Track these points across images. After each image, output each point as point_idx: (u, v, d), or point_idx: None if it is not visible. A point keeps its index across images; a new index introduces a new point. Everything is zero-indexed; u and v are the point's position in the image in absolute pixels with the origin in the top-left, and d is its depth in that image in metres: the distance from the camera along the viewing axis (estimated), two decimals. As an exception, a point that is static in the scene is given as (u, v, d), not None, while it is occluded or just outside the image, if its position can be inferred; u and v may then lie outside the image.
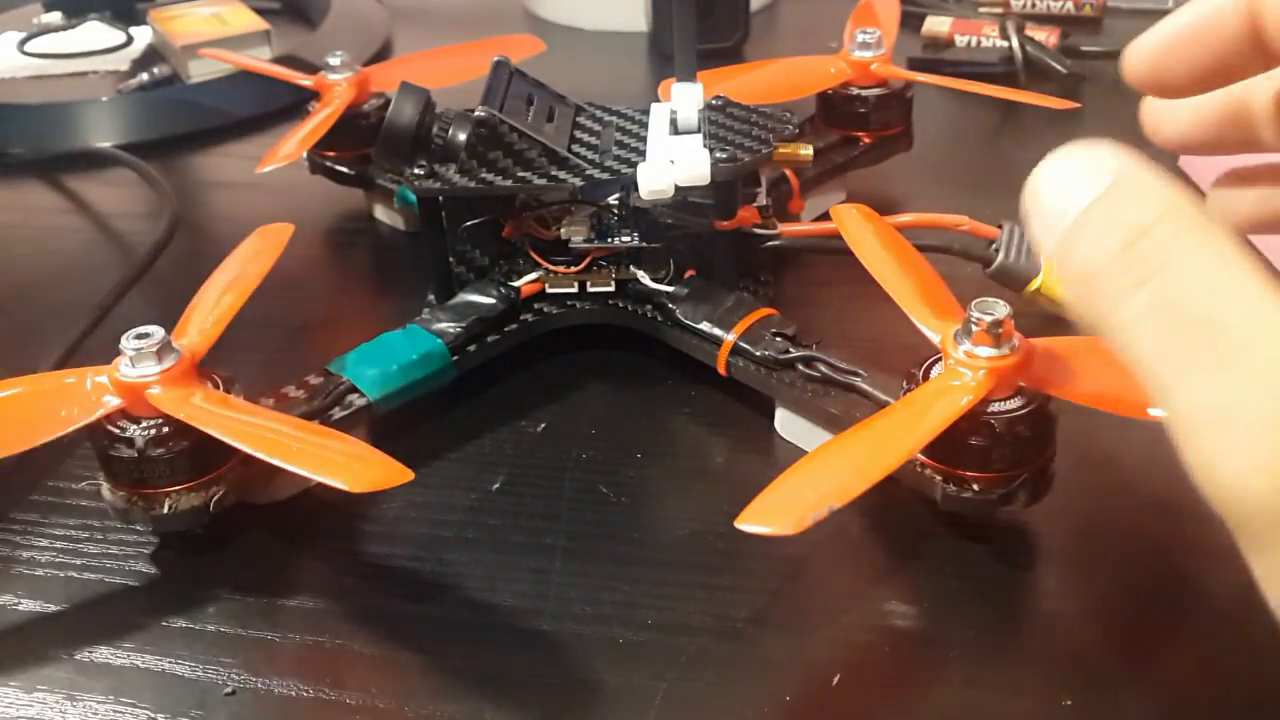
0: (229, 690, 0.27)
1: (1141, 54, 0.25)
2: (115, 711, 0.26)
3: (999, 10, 0.63)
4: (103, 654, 0.28)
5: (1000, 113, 0.53)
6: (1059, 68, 0.55)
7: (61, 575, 0.30)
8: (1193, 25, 0.24)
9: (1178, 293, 0.18)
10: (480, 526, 0.31)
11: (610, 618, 0.28)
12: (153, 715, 0.26)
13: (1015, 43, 0.56)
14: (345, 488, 0.25)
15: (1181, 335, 0.18)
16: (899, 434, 0.26)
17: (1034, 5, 0.63)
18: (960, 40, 0.59)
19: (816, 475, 0.26)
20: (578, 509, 0.31)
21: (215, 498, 0.29)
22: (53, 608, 0.29)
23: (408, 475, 0.26)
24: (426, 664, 0.27)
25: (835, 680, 0.26)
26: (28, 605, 0.29)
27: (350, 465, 0.26)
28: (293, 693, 0.27)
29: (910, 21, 0.58)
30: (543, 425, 0.35)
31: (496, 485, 0.32)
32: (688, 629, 0.28)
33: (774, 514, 0.25)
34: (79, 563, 0.30)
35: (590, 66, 0.53)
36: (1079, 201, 0.20)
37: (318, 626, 0.28)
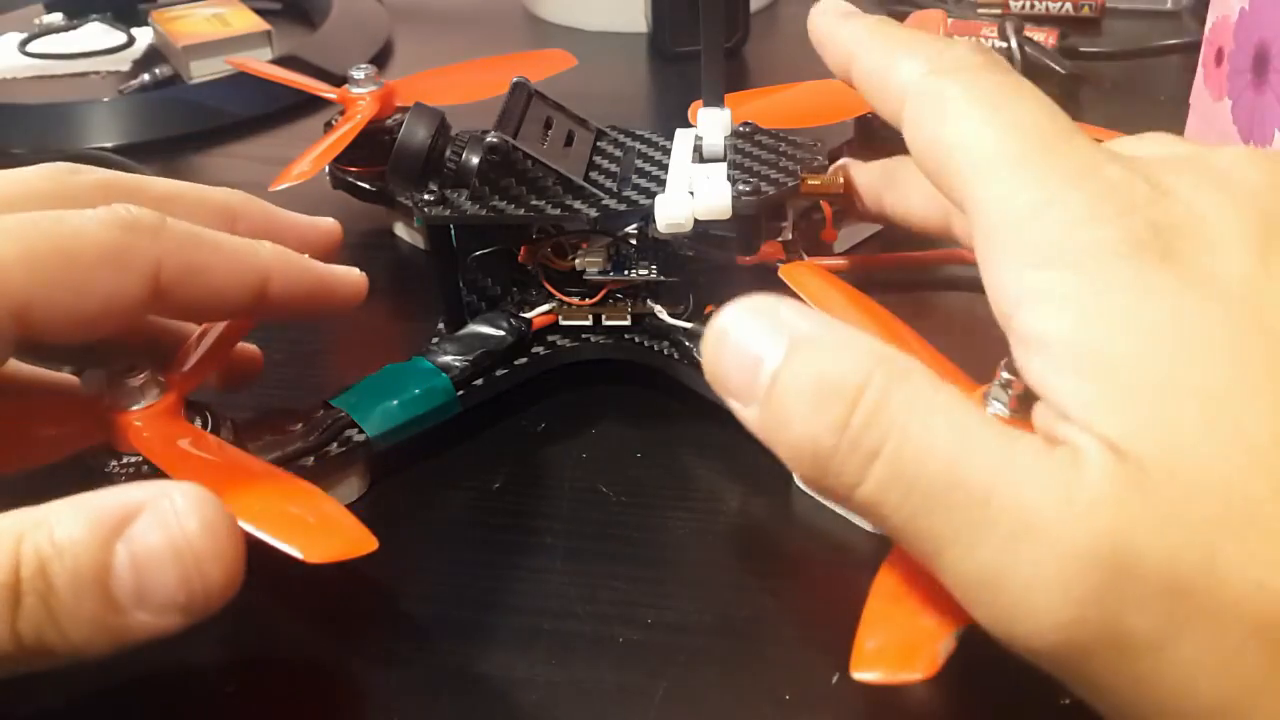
0: (230, 689, 0.27)
1: None
2: (116, 710, 0.26)
3: (998, 11, 0.64)
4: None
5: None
6: (1058, 68, 0.55)
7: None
8: None
9: (912, 460, 0.18)
10: (480, 526, 0.31)
11: (610, 617, 0.28)
12: (155, 713, 0.26)
13: (1014, 43, 0.56)
14: (300, 557, 0.24)
15: (927, 505, 0.18)
16: None
17: (1032, 6, 0.63)
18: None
19: (919, 595, 0.22)
20: (578, 509, 0.32)
21: None
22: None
23: (370, 545, 0.24)
24: (426, 663, 0.27)
25: (835, 679, 0.26)
26: (30, 605, 0.29)
27: (309, 531, 0.25)
28: (293, 691, 0.27)
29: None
30: (543, 425, 0.35)
31: (497, 485, 0.33)
32: (688, 629, 0.28)
33: (896, 655, 0.21)
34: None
35: (590, 67, 0.54)
36: (768, 364, 0.20)
37: (317, 625, 0.29)
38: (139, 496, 0.21)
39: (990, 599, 0.18)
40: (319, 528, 0.25)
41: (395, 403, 0.32)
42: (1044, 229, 0.20)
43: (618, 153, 0.36)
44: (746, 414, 0.21)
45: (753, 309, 0.21)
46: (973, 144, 0.21)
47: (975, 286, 0.37)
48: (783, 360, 0.20)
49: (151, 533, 0.20)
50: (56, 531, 0.20)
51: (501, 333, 0.34)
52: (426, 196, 0.34)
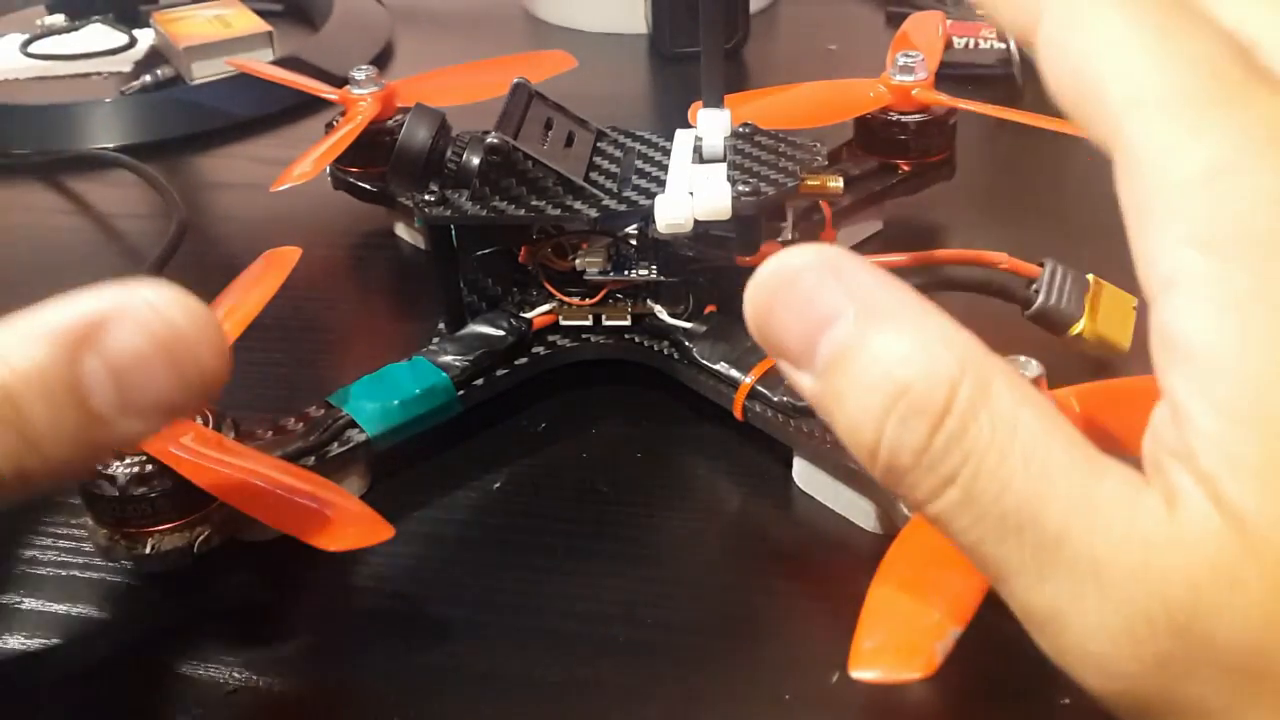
0: (230, 689, 0.27)
1: None
2: (115, 711, 0.26)
3: (999, 12, 0.64)
4: (105, 651, 0.28)
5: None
6: (1058, 70, 0.55)
7: (64, 574, 0.30)
8: None
9: (987, 490, 0.16)
10: (480, 526, 0.31)
11: (610, 617, 0.28)
12: (155, 712, 0.26)
13: (1012, 44, 0.56)
14: (321, 547, 0.24)
15: (997, 535, 0.17)
16: None
17: (1034, 7, 0.63)
18: (958, 42, 0.59)
19: (918, 594, 0.22)
20: (578, 509, 0.32)
21: (200, 538, 0.28)
22: (55, 607, 0.29)
23: (387, 533, 0.25)
24: (426, 663, 0.27)
25: (834, 679, 0.26)
26: (30, 604, 0.29)
27: (328, 522, 0.25)
28: (293, 690, 0.27)
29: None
30: (543, 425, 0.35)
31: (497, 485, 0.33)
32: (688, 628, 0.28)
33: (894, 654, 0.21)
34: (80, 561, 0.31)
35: (590, 68, 0.54)
36: (835, 334, 0.17)
37: (317, 625, 0.29)
38: (99, 305, 0.19)
39: (1052, 635, 0.17)
40: (335, 519, 0.25)
41: (395, 403, 0.32)
42: (1218, 201, 0.16)
43: (618, 153, 0.36)
44: (800, 381, 0.18)
45: (819, 258, 0.18)
46: (1133, 74, 0.17)
47: (975, 286, 0.38)
48: (852, 335, 0.17)
49: (130, 337, 0.19)
50: (13, 359, 0.18)
51: (501, 333, 0.34)
52: (427, 197, 0.34)
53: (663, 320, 0.35)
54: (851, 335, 0.17)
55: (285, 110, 0.57)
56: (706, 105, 0.34)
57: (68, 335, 0.19)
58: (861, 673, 0.21)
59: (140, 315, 0.19)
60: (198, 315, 0.19)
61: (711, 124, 0.34)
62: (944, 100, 0.41)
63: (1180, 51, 0.17)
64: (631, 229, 0.35)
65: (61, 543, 0.31)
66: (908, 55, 0.42)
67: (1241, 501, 0.15)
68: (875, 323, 0.17)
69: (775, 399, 0.31)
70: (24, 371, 0.18)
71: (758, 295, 0.19)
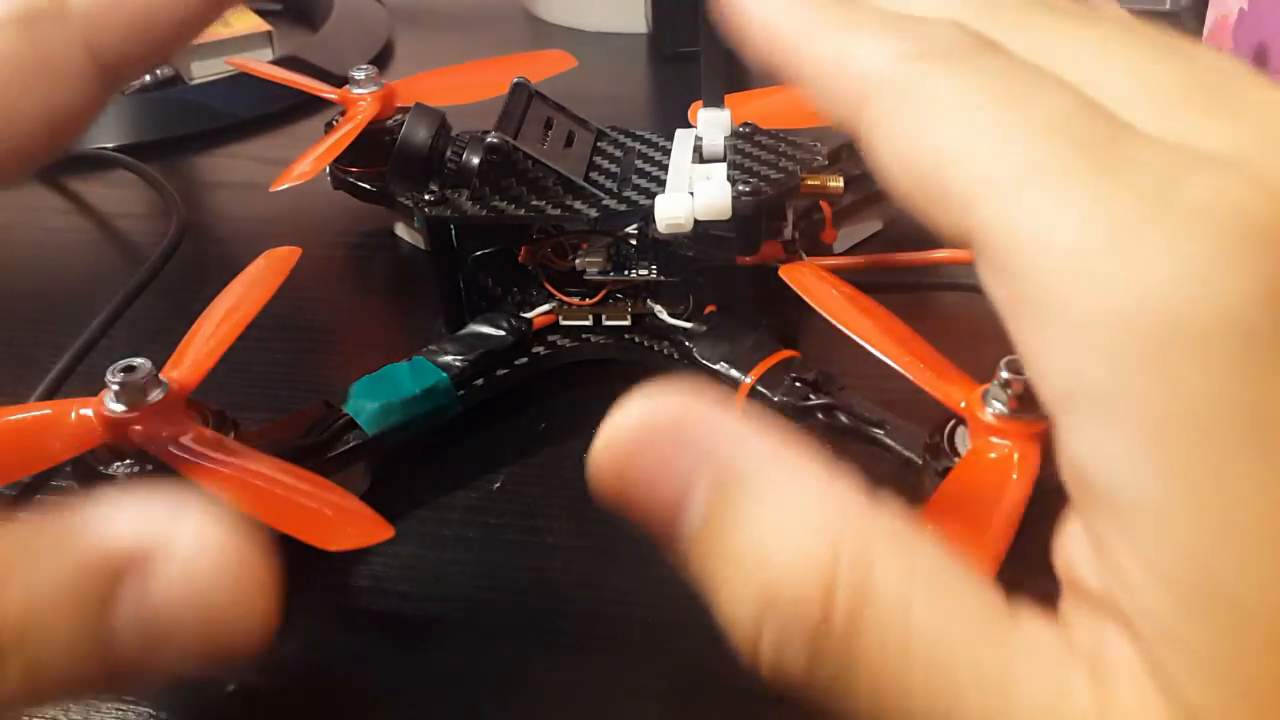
0: (230, 688, 0.27)
1: None
2: (119, 711, 0.26)
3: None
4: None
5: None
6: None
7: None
8: None
9: (889, 696, 0.14)
10: (480, 526, 0.31)
11: (610, 617, 0.28)
12: (155, 714, 0.26)
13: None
14: (321, 547, 0.25)
15: None
16: (980, 532, 0.24)
17: (1034, 7, 0.63)
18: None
19: None
20: (578, 509, 0.32)
21: None
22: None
23: (386, 533, 0.25)
24: (426, 663, 0.27)
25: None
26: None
27: (328, 522, 0.26)
28: (293, 690, 0.27)
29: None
30: (543, 425, 0.35)
31: (497, 485, 0.33)
32: (687, 629, 0.28)
33: None
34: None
35: (590, 68, 0.54)
36: (692, 515, 0.15)
37: (317, 625, 0.29)
38: (137, 536, 0.16)
39: None
40: (335, 518, 0.26)
41: (395, 403, 0.32)
42: (1116, 295, 0.13)
43: (618, 153, 0.36)
44: (674, 557, 0.16)
45: (667, 412, 0.16)
46: (981, 153, 0.15)
47: (975, 287, 0.38)
48: (706, 517, 0.15)
49: (160, 584, 0.16)
50: (33, 591, 0.15)
51: (501, 333, 0.34)
52: (427, 197, 0.34)
53: (663, 320, 0.35)
54: (705, 516, 0.15)
55: (285, 110, 0.57)
56: (706, 105, 0.34)
57: (96, 574, 0.15)
58: None
59: (171, 561, 0.16)
60: (238, 565, 0.17)
61: (711, 124, 0.34)
62: None
63: (1034, 117, 0.14)
64: (631, 229, 0.35)
65: (61, 543, 0.31)
66: None
67: (1192, 699, 0.13)
68: (730, 499, 0.15)
69: (775, 399, 0.31)
70: (42, 612, 0.15)
71: (604, 465, 0.16)
